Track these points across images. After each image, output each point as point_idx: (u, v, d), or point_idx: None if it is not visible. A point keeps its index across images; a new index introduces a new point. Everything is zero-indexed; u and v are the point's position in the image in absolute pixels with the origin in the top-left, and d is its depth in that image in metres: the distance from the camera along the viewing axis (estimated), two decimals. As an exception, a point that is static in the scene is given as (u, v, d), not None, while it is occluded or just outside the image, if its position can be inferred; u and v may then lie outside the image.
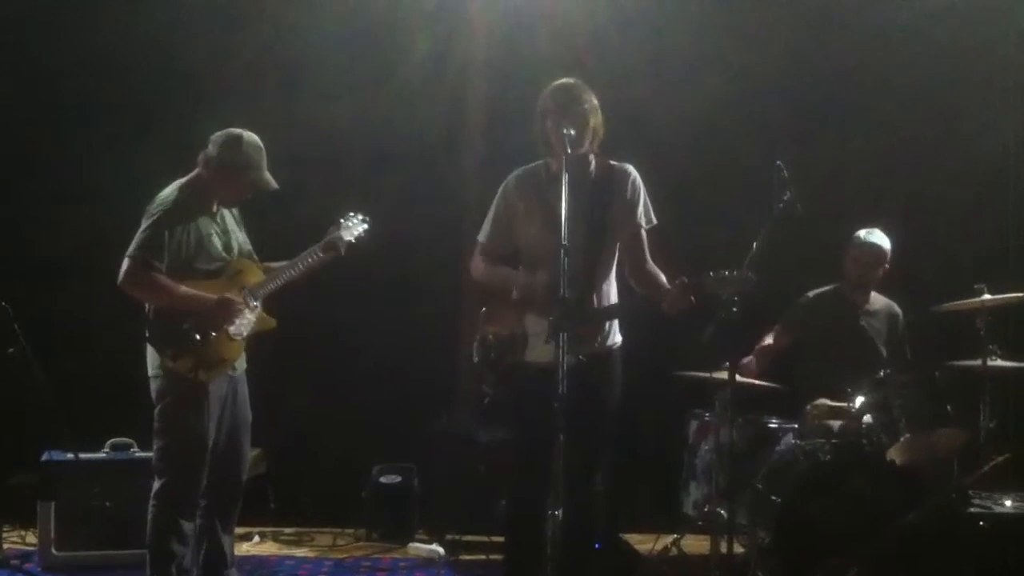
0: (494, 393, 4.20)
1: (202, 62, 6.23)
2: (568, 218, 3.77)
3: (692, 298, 3.94)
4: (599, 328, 4.16)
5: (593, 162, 4.19)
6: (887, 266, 5.66)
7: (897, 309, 5.78)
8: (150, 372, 4.40)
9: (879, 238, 5.63)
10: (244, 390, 4.60)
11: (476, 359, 4.23)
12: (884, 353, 5.66)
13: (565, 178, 3.82)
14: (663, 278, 4.15)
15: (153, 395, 4.40)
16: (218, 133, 4.49)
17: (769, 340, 5.70)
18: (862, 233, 5.66)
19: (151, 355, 4.39)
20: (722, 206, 6.22)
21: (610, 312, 4.18)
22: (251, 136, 4.48)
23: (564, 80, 4.17)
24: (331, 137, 6.28)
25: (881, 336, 5.71)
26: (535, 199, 4.17)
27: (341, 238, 4.66)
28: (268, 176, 4.51)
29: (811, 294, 5.80)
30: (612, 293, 4.23)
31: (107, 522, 5.15)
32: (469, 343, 6.32)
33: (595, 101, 4.11)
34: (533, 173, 4.24)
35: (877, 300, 5.76)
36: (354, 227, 4.74)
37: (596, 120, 4.11)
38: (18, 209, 6.21)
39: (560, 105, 4.06)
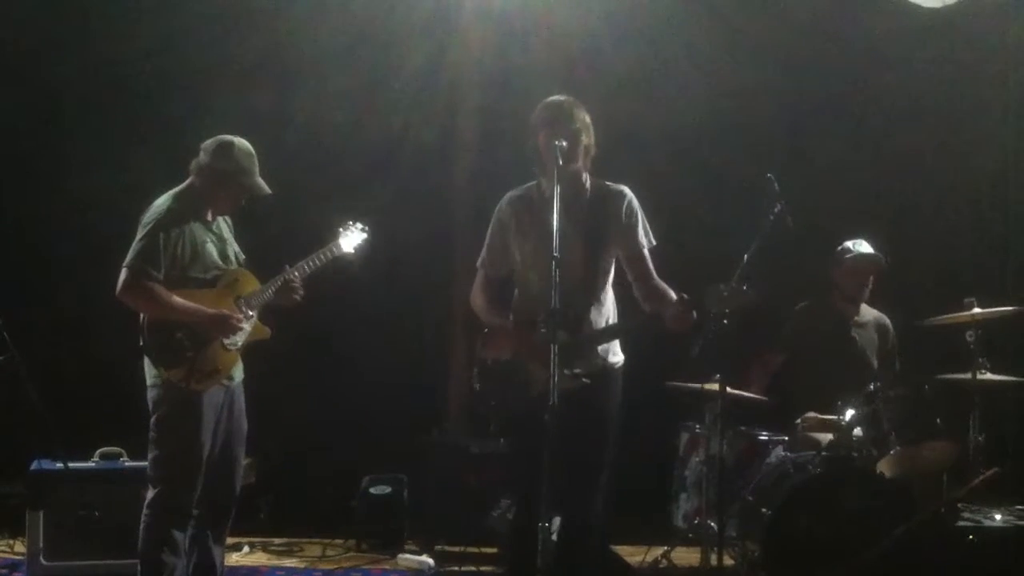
0: (496, 418, 4.19)
1: (198, 70, 6.24)
2: (563, 235, 3.78)
3: (694, 313, 3.93)
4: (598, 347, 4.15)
5: (588, 181, 4.18)
6: (874, 276, 5.69)
7: (887, 321, 5.80)
8: (148, 381, 4.38)
9: (869, 248, 5.65)
10: (241, 401, 4.57)
11: (477, 385, 4.21)
12: (875, 364, 5.68)
13: (557, 190, 3.82)
14: (671, 292, 4.10)
15: (150, 405, 4.38)
16: (209, 140, 4.47)
17: (765, 358, 5.72)
18: (850, 244, 5.67)
19: (149, 365, 4.37)
20: (713, 218, 6.23)
21: (608, 333, 4.16)
22: (242, 142, 4.47)
23: (556, 97, 4.16)
24: (325, 146, 6.31)
25: (872, 347, 5.73)
26: (528, 219, 4.17)
27: (340, 248, 4.67)
28: (260, 181, 4.50)
29: (799, 308, 5.81)
30: (611, 312, 4.22)
31: (97, 532, 5.11)
32: (459, 354, 6.42)
33: (587, 119, 4.10)
34: (526, 194, 4.23)
35: (867, 312, 5.78)
36: (354, 236, 4.74)
37: (588, 138, 4.10)
38: (12, 217, 6.20)
39: (551, 120, 4.04)
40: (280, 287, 4.55)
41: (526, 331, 4.06)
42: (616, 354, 4.21)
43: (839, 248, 5.71)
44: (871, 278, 5.68)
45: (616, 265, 4.22)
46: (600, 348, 4.14)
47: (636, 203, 4.19)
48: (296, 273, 4.58)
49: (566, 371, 3.82)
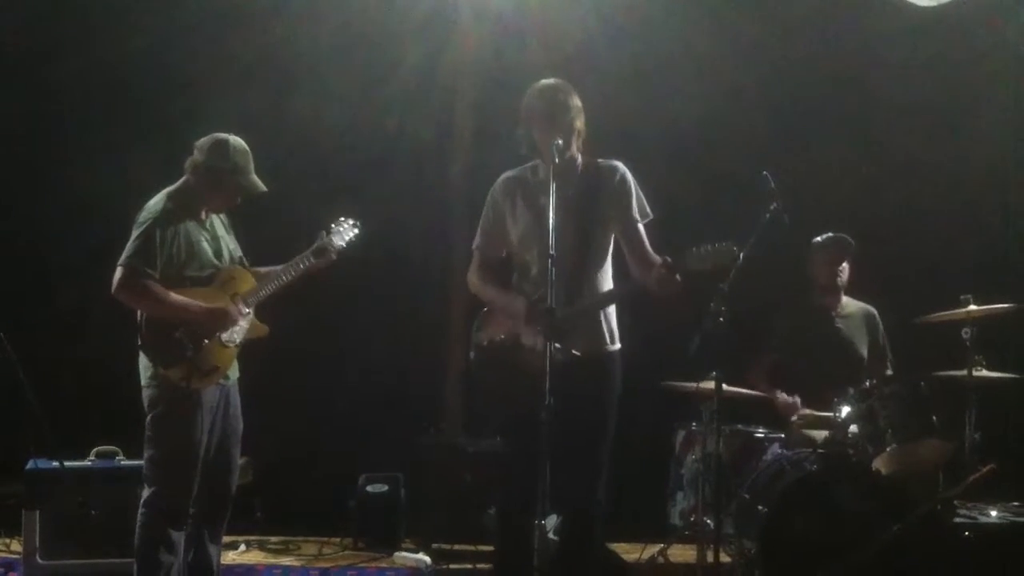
0: (493, 399, 4.19)
1: (195, 70, 6.25)
2: (555, 226, 3.77)
3: (678, 277, 3.93)
4: (594, 320, 4.13)
5: (579, 159, 4.17)
6: (846, 264, 5.68)
7: (873, 311, 5.79)
8: (143, 381, 4.37)
9: (839, 235, 5.67)
10: (236, 400, 4.57)
11: (475, 367, 4.21)
12: (864, 355, 5.68)
13: (552, 187, 3.82)
14: (658, 258, 4.08)
15: (145, 404, 4.38)
16: (203, 139, 4.47)
17: (765, 359, 5.73)
18: (820, 238, 5.69)
19: (144, 364, 4.37)
20: (709, 216, 6.22)
21: (597, 300, 4.13)
22: (237, 140, 4.47)
23: (548, 82, 4.15)
24: (321, 144, 6.31)
25: (861, 338, 5.72)
26: (523, 202, 4.17)
27: (332, 243, 4.64)
28: (256, 179, 4.49)
29: (781, 310, 5.81)
30: (607, 288, 4.20)
31: (92, 531, 5.10)
32: (456, 353, 6.41)
33: (579, 102, 4.10)
34: (521, 175, 4.23)
35: (850, 304, 5.79)
36: (345, 232, 4.72)
37: (581, 122, 4.11)
38: (12, 217, 6.20)
39: (549, 116, 4.04)
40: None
41: (521, 303, 4.06)
42: (615, 342, 4.19)
43: (812, 243, 5.72)
44: (844, 264, 5.68)
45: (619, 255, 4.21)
46: (597, 326, 4.12)
47: (630, 177, 4.18)
48: (291, 271, 4.56)
49: (557, 345, 3.80)
